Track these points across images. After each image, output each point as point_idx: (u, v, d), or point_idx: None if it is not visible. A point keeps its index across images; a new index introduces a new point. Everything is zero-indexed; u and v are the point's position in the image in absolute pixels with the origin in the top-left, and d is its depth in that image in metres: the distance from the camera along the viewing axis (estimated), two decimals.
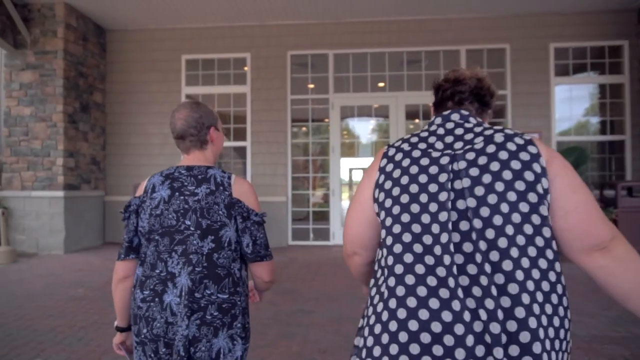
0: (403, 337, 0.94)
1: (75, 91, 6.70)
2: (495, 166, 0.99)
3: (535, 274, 0.92)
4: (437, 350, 0.90)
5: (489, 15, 6.82)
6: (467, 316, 0.90)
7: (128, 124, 7.50)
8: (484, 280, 0.91)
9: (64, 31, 6.41)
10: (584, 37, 6.72)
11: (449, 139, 1.09)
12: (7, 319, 3.58)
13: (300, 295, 4.31)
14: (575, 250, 0.99)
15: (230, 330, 1.34)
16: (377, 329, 0.99)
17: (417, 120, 7.23)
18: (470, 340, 0.89)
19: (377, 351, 0.97)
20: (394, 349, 0.94)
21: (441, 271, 0.94)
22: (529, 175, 0.97)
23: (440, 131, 1.12)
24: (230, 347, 1.34)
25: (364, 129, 7.69)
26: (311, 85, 7.29)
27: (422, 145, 1.10)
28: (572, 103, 6.95)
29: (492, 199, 0.96)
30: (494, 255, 0.93)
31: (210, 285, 1.32)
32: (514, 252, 0.92)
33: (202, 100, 7.45)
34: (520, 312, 0.89)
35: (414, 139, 1.13)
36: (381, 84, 7.19)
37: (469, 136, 1.08)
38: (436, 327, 0.91)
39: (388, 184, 1.08)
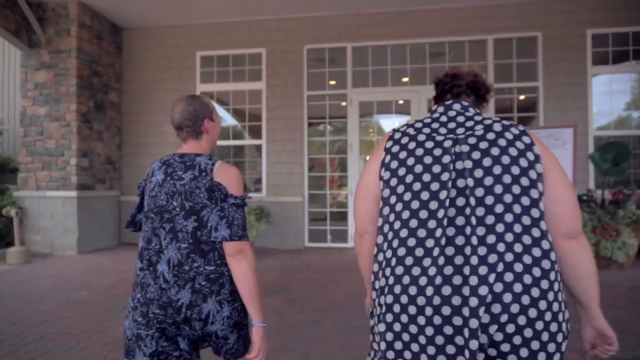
0: (404, 290, 1.10)
1: (90, 90, 6.63)
2: (495, 151, 1.11)
3: (518, 247, 1.05)
4: (415, 290, 1.08)
5: (518, 1, 6.34)
6: (448, 270, 1.05)
7: (144, 122, 7.40)
8: (467, 251, 1.04)
9: (78, 30, 6.34)
10: (625, 21, 6.14)
11: (451, 125, 1.20)
12: (2, 324, 3.45)
13: (309, 303, 4.02)
14: (558, 233, 1.13)
15: (219, 296, 1.49)
16: (391, 282, 1.12)
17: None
18: (442, 284, 1.05)
19: (389, 299, 1.11)
20: (404, 299, 1.09)
21: (429, 242, 1.08)
22: (523, 162, 1.10)
23: (443, 118, 1.23)
24: (219, 309, 1.49)
25: (384, 125, 7.31)
26: (332, 82, 6.98)
27: (427, 130, 1.21)
28: (611, 95, 6.37)
29: (488, 180, 1.09)
30: (481, 231, 1.06)
31: (197, 259, 1.47)
32: (500, 227, 1.05)
33: (217, 98, 7.30)
34: (497, 279, 1.03)
35: (419, 124, 1.24)
36: (405, 79, 6.81)
37: (469, 123, 1.19)
38: (423, 281, 1.06)
39: (394, 164, 1.19)
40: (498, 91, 6.54)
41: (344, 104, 6.90)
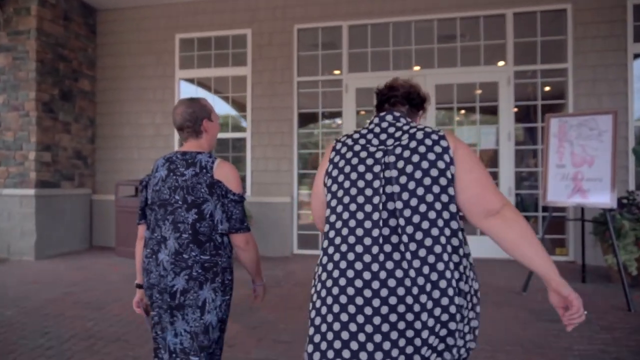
0: (340, 274, 1.25)
1: (54, 76, 5.94)
2: (415, 158, 1.27)
3: (443, 240, 1.21)
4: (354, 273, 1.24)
5: None
6: (389, 265, 1.20)
7: (120, 113, 6.69)
8: (402, 247, 1.21)
9: (38, 8, 5.65)
10: None
11: (383, 136, 1.36)
12: None
13: (273, 331, 3.19)
14: (475, 216, 1.26)
15: (213, 284, 1.64)
16: (327, 270, 1.28)
17: (451, 105, 5.89)
18: (386, 277, 1.20)
19: (329, 282, 1.27)
20: (341, 280, 1.25)
21: (367, 240, 1.23)
22: (440, 164, 1.26)
23: (377, 130, 1.39)
24: (213, 298, 1.63)
25: None
26: (335, 69, 6.11)
27: (362, 141, 1.37)
28: None
29: (411, 185, 1.25)
30: (410, 229, 1.22)
31: (195, 248, 1.61)
32: (425, 224, 1.22)
33: (198, 84, 6.53)
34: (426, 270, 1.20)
35: (356, 136, 1.40)
36: (415, 68, 5.89)
37: (398, 134, 1.34)
38: (367, 275, 1.21)
39: (335, 172, 1.36)
40: (518, 75, 5.57)
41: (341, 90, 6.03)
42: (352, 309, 1.20)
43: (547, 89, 5.68)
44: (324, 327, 1.24)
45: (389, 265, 1.19)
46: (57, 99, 5.99)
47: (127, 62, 6.65)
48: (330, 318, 1.23)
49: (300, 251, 6.05)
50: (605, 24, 5.23)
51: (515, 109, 5.60)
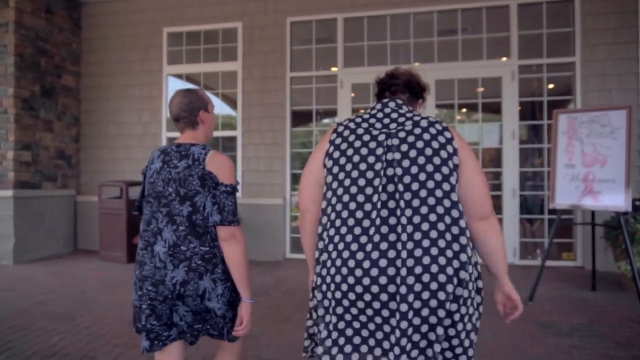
0: (345, 254, 1.26)
1: (34, 72, 5.66)
2: (420, 144, 1.30)
3: (441, 226, 1.23)
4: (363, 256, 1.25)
5: None
6: (384, 246, 1.23)
7: (105, 111, 6.40)
8: (400, 229, 1.23)
9: (17, 0, 5.36)
10: None
11: (386, 120, 1.39)
12: None
13: (255, 348, 2.89)
14: (472, 216, 1.33)
15: (213, 275, 1.62)
16: (334, 256, 1.28)
17: (452, 101, 5.58)
18: (379, 257, 1.23)
19: (334, 254, 1.29)
20: (345, 254, 1.27)
21: (366, 222, 1.26)
22: (443, 154, 1.29)
23: (379, 115, 1.41)
24: (213, 287, 1.62)
25: None
26: (330, 64, 5.81)
27: (365, 125, 1.39)
28: None
29: (414, 169, 1.28)
30: (409, 212, 1.24)
31: (193, 240, 1.60)
32: (424, 209, 1.24)
33: (186, 80, 6.24)
34: (423, 270, 1.22)
35: (359, 119, 1.42)
36: (414, 62, 5.60)
37: (401, 119, 1.37)
38: (360, 255, 1.24)
39: (336, 154, 1.37)
40: (523, 70, 5.27)
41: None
42: (347, 287, 1.25)
43: (551, 85, 5.38)
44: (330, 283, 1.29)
45: (383, 245, 1.22)
46: (37, 96, 5.71)
47: (113, 58, 6.37)
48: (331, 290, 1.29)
49: (293, 255, 5.76)
50: (616, 15, 4.92)
51: (519, 107, 5.29)
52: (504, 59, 5.31)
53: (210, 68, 6.11)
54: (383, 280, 1.20)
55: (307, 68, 5.85)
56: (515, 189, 5.20)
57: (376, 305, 1.21)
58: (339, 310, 1.27)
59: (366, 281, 1.21)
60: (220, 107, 6.22)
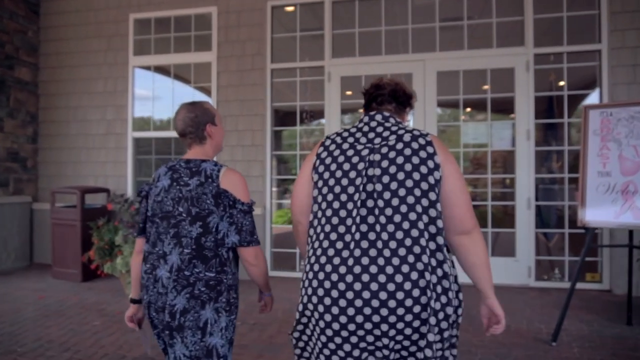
0: (325, 268, 1.29)
1: None
2: (400, 160, 1.32)
3: (422, 241, 1.25)
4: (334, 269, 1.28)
5: None
6: (365, 261, 1.25)
7: (66, 108, 5.70)
8: (379, 244, 1.25)
9: None
10: None
11: (371, 135, 1.41)
12: None
13: None
14: (451, 231, 1.35)
15: (216, 304, 1.52)
16: (314, 263, 1.33)
17: (456, 96, 4.83)
18: (361, 272, 1.24)
19: (317, 274, 1.31)
20: (322, 273, 1.30)
21: (347, 237, 1.28)
22: (423, 169, 1.30)
23: (365, 128, 1.44)
24: (216, 319, 1.52)
25: None
26: (316, 54, 5.07)
27: (351, 140, 1.42)
28: None
29: (393, 185, 1.29)
30: (391, 227, 1.26)
31: (199, 265, 1.51)
32: (406, 225, 1.26)
33: (155, 72, 5.53)
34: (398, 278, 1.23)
35: (345, 134, 1.45)
36: (413, 52, 4.85)
37: (386, 134, 1.39)
38: (342, 269, 1.26)
39: (321, 168, 1.41)
40: (540, 59, 4.53)
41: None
42: (329, 301, 1.27)
43: (574, 76, 4.63)
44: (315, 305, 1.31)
45: (365, 260, 1.24)
46: None
47: (74, 48, 5.67)
48: (317, 314, 1.30)
49: (275, 273, 5.02)
50: None
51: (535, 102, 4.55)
52: (518, 47, 4.57)
53: (181, 59, 5.40)
54: (366, 294, 1.22)
55: (291, 59, 5.13)
56: (530, 198, 4.46)
57: (361, 332, 1.25)
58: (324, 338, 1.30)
59: (350, 295, 1.24)
60: None
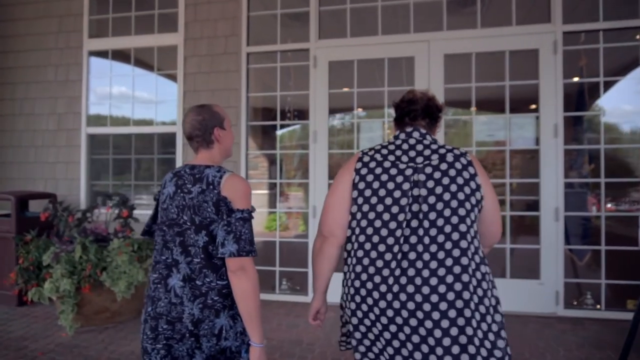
0: (366, 285, 1.35)
1: None
2: (446, 181, 1.37)
3: (464, 261, 1.30)
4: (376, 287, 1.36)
5: None
6: (403, 280, 1.31)
7: (11, 100, 4.93)
8: (419, 265, 1.30)
9: None
10: None
11: (411, 153, 1.45)
12: None
13: None
14: (484, 245, 1.49)
15: (231, 311, 1.46)
16: (357, 285, 1.37)
17: (468, 84, 4.02)
18: (399, 291, 1.31)
19: (357, 286, 1.37)
20: (362, 290, 1.36)
21: (388, 256, 1.33)
22: (467, 190, 1.37)
23: (405, 146, 1.47)
24: (232, 324, 1.46)
25: (370, 99, 4.46)
26: (300, 36, 4.28)
27: (392, 158, 1.45)
28: None
29: (439, 206, 1.34)
30: (434, 248, 1.30)
31: (209, 274, 1.44)
32: (448, 245, 1.31)
33: (113, 58, 4.75)
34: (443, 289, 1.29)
35: (384, 151, 1.48)
36: (415, 31, 4.05)
37: (427, 152, 1.44)
38: (383, 288, 1.32)
39: (362, 185, 1.43)
40: (569, 39, 3.74)
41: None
42: (369, 322, 1.37)
43: (611, 58, 3.82)
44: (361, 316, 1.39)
45: (403, 280, 1.29)
46: None
47: (21, 30, 4.89)
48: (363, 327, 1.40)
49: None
50: None
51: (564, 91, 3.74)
52: (543, 24, 3.78)
53: (143, 42, 4.62)
54: (405, 313, 1.28)
55: (270, 41, 4.34)
56: (558, 208, 3.66)
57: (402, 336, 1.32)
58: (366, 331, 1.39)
59: (390, 313, 1.30)
60: (155, 94, 4.71)
